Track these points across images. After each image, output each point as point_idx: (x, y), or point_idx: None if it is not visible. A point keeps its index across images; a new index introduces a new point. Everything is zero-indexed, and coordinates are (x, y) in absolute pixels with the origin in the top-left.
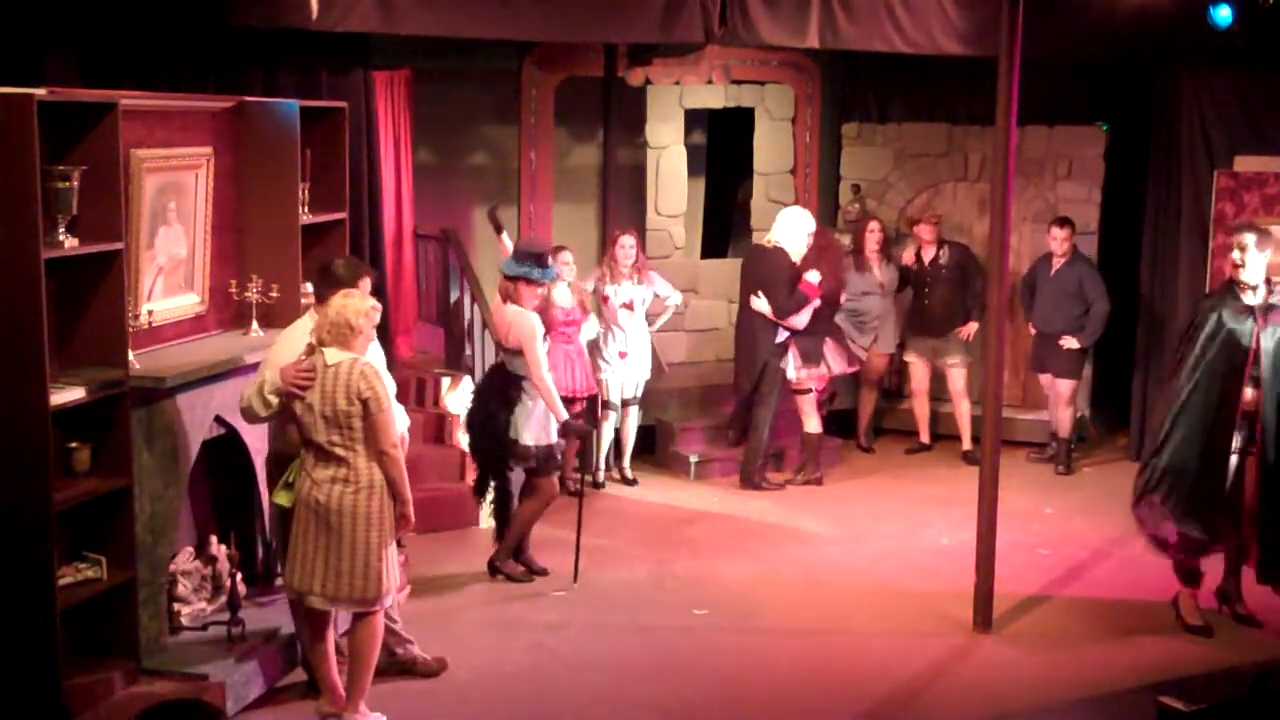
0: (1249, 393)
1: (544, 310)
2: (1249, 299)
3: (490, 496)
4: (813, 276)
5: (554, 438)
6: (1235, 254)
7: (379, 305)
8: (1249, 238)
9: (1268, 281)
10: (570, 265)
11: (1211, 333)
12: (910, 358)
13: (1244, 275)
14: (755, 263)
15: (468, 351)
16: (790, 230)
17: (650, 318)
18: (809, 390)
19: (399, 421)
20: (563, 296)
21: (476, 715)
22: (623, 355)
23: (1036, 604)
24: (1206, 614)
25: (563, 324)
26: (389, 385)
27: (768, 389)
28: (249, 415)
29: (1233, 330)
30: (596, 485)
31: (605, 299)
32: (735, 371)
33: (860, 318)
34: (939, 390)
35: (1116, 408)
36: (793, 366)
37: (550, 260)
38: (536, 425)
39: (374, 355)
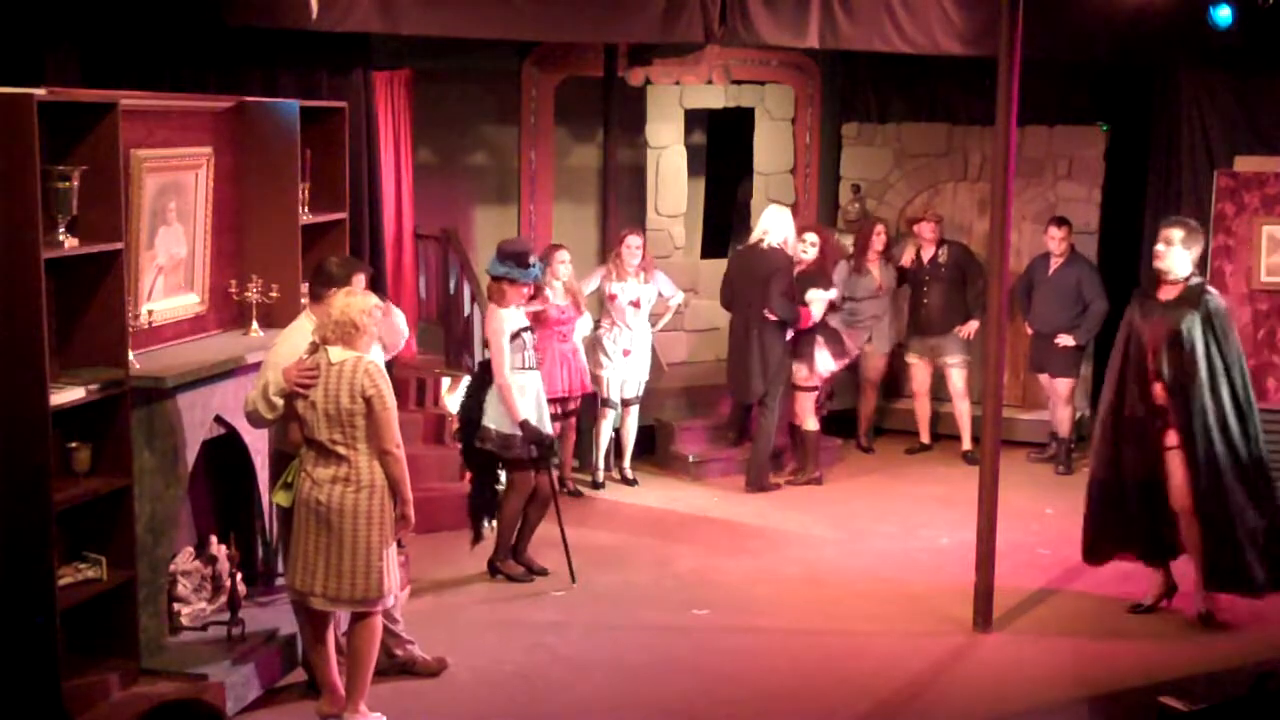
0: (1157, 389)
1: (543, 310)
2: (1165, 294)
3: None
4: (816, 308)
5: (518, 428)
6: (1159, 246)
7: (381, 304)
8: (1176, 233)
9: (1190, 279)
10: (566, 264)
11: (1125, 337)
12: (911, 359)
13: (1159, 265)
14: (755, 263)
15: (468, 351)
16: (787, 229)
17: (653, 318)
18: (815, 389)
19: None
20: (558, 295)
21: (476, 715)
22: (626, 353)
23: (1036, 603)
24: (1187, 621)
25: (557, 322)
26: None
27: (779, 390)
28: (254, 420)
29: (1139, 329)
30: (596, 485)
31: (612, 297)
32: (740, 375)
33: (855, 316)
34: (940, 390)
35: None
36: (824, 362)
37: (532, 259)
38: (498, 411)
39: (374, 352)
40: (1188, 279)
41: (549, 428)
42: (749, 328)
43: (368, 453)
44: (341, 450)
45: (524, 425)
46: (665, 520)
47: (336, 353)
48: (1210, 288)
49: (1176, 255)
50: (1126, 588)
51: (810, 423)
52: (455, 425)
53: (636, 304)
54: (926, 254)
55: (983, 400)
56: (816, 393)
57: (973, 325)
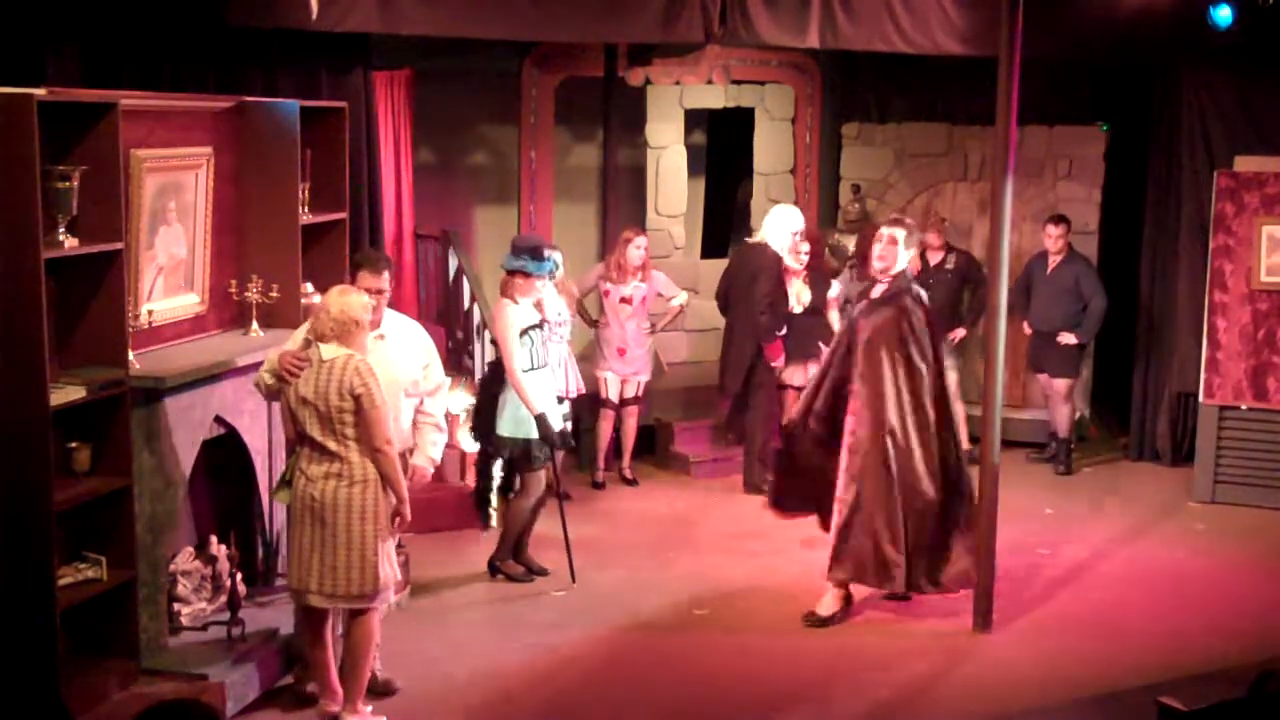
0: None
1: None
2: (875, 291)
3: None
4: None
5: (534, 433)
6: (878, 247)
7: (372, 301)
8: (899, 233)
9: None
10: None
11: (842, 331)
12: None
13: (880, 264)
14: (748, 260)
15: (468, 351)
16: (776, 227)
17: (654, 318)
18: None
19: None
20: (550, 298)
21: (476, 715)
22: (621, 351)
23: (1036, 604)
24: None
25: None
26: (442, 378)
27: (764, 390)
28: (258, 389)
29: (852, 324)
30: (596, 485)
31: (606, 293)
32: (725, 368)
33: None
34: None
35: (1116, 407)
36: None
37: (546, 253)
38: (511, 418)
39: (424, 344)
40: (898, 275)
41: (558, 424)
42: (736, 323)
43: (360, 450)
44: (333, 447)
45: (540, 419)
46: (665, 520)
47: (328, 350)
48: (914, 281)
49: (899, 254)
50: (1126, 588)
51: None
52: (461, 433)
53: (629, 301)
54: (933, 259)
55: (983, 400)
56: None
57: (959, 332)
